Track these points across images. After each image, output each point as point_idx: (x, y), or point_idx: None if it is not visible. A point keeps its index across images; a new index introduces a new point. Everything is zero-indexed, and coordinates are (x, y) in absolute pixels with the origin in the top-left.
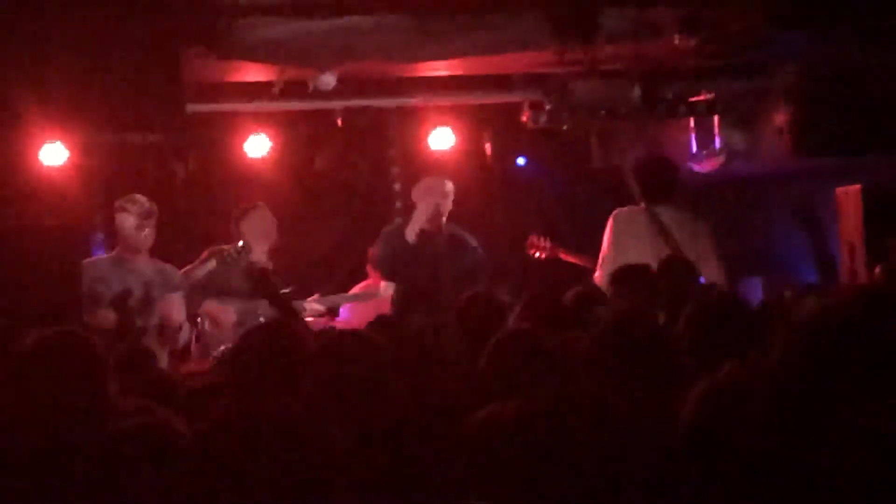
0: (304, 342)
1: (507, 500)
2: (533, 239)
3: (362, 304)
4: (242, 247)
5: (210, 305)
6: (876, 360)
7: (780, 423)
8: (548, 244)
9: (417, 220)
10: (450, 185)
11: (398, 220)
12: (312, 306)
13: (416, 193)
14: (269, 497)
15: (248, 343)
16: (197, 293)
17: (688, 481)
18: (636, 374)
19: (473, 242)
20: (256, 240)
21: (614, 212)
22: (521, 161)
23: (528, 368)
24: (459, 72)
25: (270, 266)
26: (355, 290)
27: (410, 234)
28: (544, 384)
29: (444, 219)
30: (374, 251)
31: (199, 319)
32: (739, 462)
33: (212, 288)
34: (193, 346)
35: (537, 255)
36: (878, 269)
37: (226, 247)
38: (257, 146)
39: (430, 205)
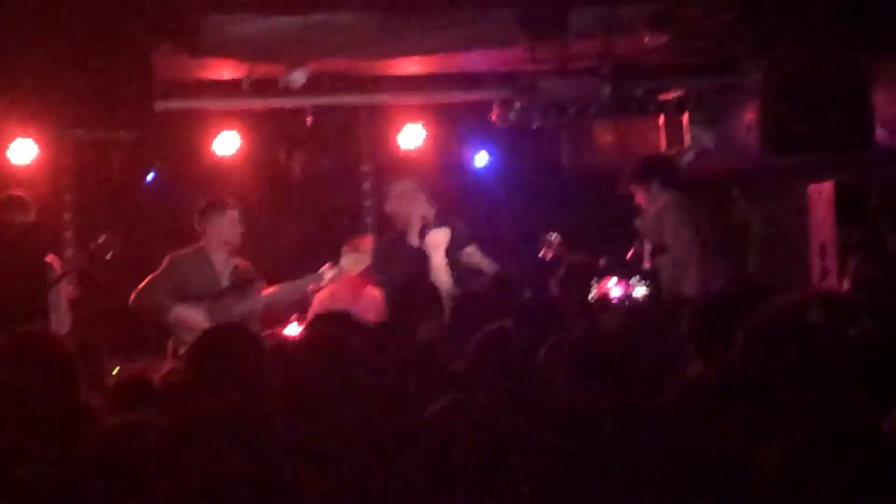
0: (262, 341)
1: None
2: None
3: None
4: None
5: (179, 311)
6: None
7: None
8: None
9: (415, 226)
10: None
11: (368, 221)
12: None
13: (402, 200)
14: (240, 495)
15: (207, 341)
16: (167, 300)
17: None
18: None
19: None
20: (218, 244)
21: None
22: (481, 159)
23: (506, 368)
24: (430, 69)
25: (233, 264)
26: (323, 293)
27: (414, 239)
28: (518, 383)
29: None
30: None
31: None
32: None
33: (179, 291)
34: (169, 351)
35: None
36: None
37: (183, 251)
38: (227, 143)
39: (425, 208)
